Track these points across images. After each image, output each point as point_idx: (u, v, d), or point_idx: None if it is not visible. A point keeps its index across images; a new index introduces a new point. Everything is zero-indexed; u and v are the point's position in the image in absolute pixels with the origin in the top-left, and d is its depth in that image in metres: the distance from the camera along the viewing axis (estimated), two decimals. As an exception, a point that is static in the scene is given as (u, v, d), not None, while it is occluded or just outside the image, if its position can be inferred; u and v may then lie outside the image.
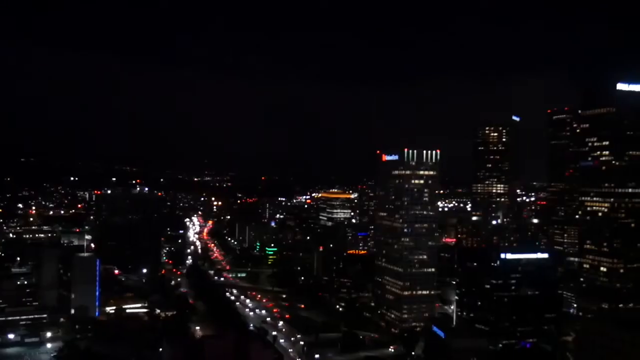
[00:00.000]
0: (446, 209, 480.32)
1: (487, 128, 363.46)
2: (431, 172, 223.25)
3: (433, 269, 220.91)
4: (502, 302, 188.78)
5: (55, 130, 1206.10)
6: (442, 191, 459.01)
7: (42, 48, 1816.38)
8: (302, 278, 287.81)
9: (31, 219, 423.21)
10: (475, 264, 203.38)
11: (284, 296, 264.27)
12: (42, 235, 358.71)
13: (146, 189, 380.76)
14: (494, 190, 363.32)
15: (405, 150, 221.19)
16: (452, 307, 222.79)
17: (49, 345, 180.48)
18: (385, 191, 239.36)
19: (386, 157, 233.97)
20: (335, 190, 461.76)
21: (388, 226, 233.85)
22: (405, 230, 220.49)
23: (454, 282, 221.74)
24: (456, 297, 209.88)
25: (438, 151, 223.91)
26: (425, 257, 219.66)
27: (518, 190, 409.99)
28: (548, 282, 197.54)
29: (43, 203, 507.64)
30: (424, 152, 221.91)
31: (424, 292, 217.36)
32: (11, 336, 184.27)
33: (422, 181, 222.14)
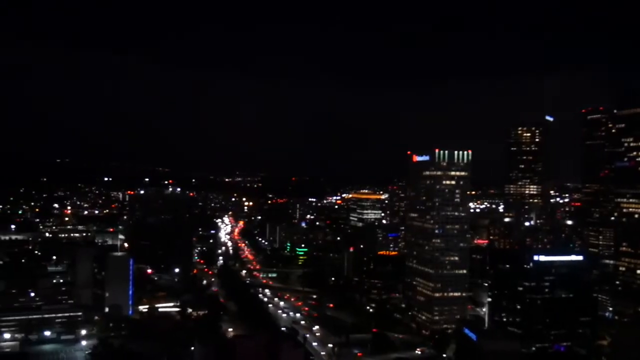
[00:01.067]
0: (478, 210, 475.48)
1: (519, 128, 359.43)
2: (463, 173, 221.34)
3: (465, 271, 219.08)
4: (535, 305, 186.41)
5: (89, 131, 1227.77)
6: (473, 192, 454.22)
7: (71, 49, 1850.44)
8: (333, 279, 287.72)
9: (66, 219, 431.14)
10: (507, 265, 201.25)
11: (314, 296, 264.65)
12: (77, 234, 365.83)
13: (178, 189, 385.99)
14: (526, 191, 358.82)
15: (436, 150, 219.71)
16: (484, 309, 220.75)
17: (83, 343, 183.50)
18: (416, 192, 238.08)
19: (417, 158, 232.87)
20: (366, 190, 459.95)
21: (419, 227, 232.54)
22: (437, 231, 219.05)
23: (486, 284, 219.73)
24: (488, 299, 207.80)
25: (469, 152, 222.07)
26: (456, 258, 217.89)
27: (551, 191, 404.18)
28: (582, 284, 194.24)
29: (78, 203, 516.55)
30: (455, 152, 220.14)
31: (456, 294, 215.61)
32: (48, 333, 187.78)
33: (453, 182, 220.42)
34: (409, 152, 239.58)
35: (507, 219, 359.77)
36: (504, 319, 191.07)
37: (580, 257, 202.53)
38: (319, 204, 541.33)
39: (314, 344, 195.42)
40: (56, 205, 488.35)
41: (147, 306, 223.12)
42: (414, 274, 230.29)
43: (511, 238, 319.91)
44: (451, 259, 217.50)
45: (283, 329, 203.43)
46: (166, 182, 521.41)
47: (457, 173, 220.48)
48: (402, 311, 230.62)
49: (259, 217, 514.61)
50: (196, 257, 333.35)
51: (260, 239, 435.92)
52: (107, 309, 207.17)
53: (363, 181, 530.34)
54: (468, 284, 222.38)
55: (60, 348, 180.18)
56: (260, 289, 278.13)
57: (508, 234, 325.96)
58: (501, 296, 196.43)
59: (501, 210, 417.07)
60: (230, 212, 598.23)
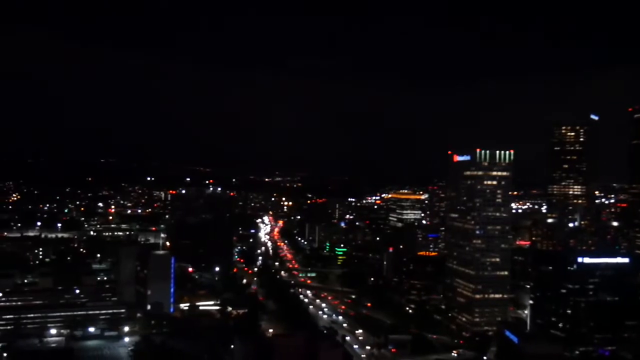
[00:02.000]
0: (520, 211, 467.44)
1: (563, 127, 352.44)
2: (504, 173, 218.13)
3: (506, 272, 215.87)
4: (579, 308, 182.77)
5: (132, 132, 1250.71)
6: (515, 192, 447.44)
7: (111, 49, 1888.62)
8: (372, 279, 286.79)
9: (110, 218, 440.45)
10: (550, 267, 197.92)
11: (353, 296, 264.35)
12: (121, 233, 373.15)
13: (219, 189, 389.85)
14: (570, 192, 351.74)
15: (478, 150, 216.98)
16: (526, 312, 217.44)
17: (126, 339, 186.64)
18: (457, 192, 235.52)
19: (458, 158, 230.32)
20: (406, 190, 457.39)
21: (459, 228, 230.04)
22: (477, 232, 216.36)
23: (528, 286, 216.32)
24: (530, 302, 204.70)
25: (512, 151, 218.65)
26: (498, 259, 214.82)
27: (596, 192, 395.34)
28: (628, 287, 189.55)
29: (121, 202, 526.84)
30: (497, 152, 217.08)
31: (497, 296, 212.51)
32: (92, 329, 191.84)
33: (494, 182, 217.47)
34: (449, 152, 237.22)
35: (550, 220, 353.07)
36: (547, 322, 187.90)
37: (626, 260, 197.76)
38: (358, 204, 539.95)
39: (353, 344, 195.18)
40: (100, 205, 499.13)
41: (187, 304, 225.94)
42: (454, 275, 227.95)
43: (554, 239, 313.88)
44: (492, 260, 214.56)
45: (322, 328, 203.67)
46: (207, 181, 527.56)
47: (499, 173, 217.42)
48: (442, 312, 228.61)
49: (299, 217, 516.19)
50: (236, 256, 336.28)
51: (299, 239, 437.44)
52: (149, 307, 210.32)
53: (403, 181, 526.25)
54: (509, 286, 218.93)
55: (104, 344, 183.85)
56: (299, 289, 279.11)
57: (551, 235, 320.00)
58: (544, 298, 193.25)
59: (544, 211, 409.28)
60: (269, 212, 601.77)
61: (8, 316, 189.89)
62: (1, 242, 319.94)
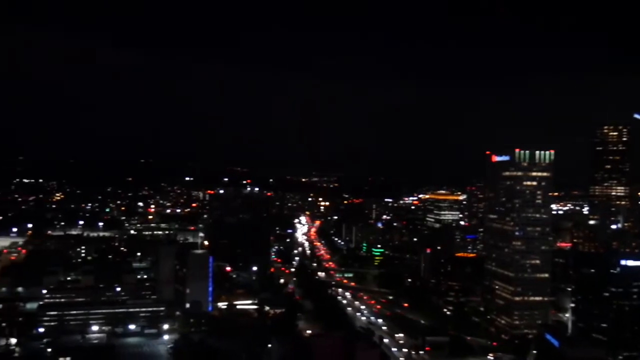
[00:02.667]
0: (561, 212, 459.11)
1: (606, 127, 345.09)
2: (544, 173, 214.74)
3: (546, 274, 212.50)
4: (623, 312, 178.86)
5: (171, 133, 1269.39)
6: (556, 193, 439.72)
7: (152, 48, 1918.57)
8: (409, 280, 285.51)
9: (150, 217, 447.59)
10: (592, 270, 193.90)
11: (390, 297, 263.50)
12: (160, 232, 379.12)
13: (256, 189, 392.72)
14: (613, 193, 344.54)
15: (517, 150, 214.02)
16: (567, 315, 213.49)
17: (165, 337, 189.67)
18: (496, 193, 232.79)
19: (496, 158, 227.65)
20: (443, 191, 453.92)
21: (498, 229, 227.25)
22: (517, 233, 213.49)
23: (570, 289, 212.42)
24: (571, 305, 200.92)
25: (552, 151, 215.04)
26: (538, 261, 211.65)
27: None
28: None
29: (161, 202, 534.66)
30: (537, 152, 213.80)
31: (537, 298, 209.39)
32: (132, 327, 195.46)
33: (534, 182, 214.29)
34: (487, 152, 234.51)
35: (592, 222, 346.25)
36: (589, 326, 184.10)
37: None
38: (396, 205, 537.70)
39: (390, 345, 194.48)
40: (140, 204, 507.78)
41: (225, 303, 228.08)
42: (493, 277, 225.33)
43: (596, 241, 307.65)
44: (532, 262, 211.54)
45: (359, 329, 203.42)
46: (244, 181, 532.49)
47: (539, 173, 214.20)
48: (481, 314, 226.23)
49: (335, 217, 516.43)
50: (273, 256, 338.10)
51: (336, 239, 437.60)
52: (187, 305, 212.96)
53: (440, 182, 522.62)
54: (550, 288, 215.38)
55: (144, 341, 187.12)
56: (336, 289, 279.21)
57: (593, 237, 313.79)
58: (586, 302, 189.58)
59: (585, 212, 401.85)
60: (306, 212, 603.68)
61: (52, 313, 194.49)
62: (45, 241, 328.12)
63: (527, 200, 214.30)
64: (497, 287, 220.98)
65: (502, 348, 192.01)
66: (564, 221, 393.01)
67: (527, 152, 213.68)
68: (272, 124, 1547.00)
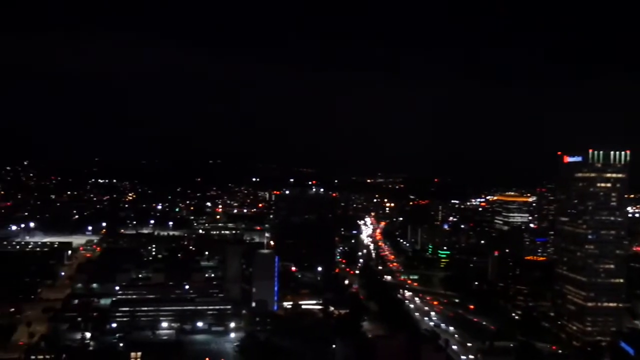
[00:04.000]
0: (637, 215, 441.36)
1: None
2: (620, 175, 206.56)
3: (621, 280, 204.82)
4: None
5: (239, 134, 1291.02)
6: (632, 195, 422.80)
7: (218, 49, 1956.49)
8: (476, 283, 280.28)
9: (218, 217, 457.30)
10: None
11: (457, 300, 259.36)
12: (227, 232, 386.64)
13: (321, 189, 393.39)
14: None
15: (590, 151, 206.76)
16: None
17: (232, 335, 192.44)
18: (567, 195, 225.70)
19: (568, 159, 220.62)
20: (512, 193, 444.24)
21: (570, 232, 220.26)
22: (590, 236, 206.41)
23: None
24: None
25: (628, 152, 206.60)
26: (612, 266, 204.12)
27: None
28: None
29: (228, 202, 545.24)
30: (612, 152, 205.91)
31: (611, 304, 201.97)
32: (200, 324, 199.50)
33: (609, 184, 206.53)
34: (559, 153, 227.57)
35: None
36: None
37: None
38: (462, 206, 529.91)
39: (456, 348, 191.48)
40: (209, 204, 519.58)
41: (290, 303, 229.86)
42: (564, 281, 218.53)
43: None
44: (606, 266, 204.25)
45: (424, 331, 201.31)
46: (310, 182, 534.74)
47: (614, 175, 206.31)
48: (551, 320, 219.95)
49: (401, 219, 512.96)
50: (338, 257, 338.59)
51: (401, 240, 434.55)
52: (253, 304, 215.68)
53: (509, 183, 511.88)
54: (625, 294, 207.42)
55: (211, 339, 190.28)
56: (401, 290, 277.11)
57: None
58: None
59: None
60: (371, 213, 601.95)
61: (125, 309, 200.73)
62: (119, 239, 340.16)
63: (601, 203, 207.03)
64: (568, 292, 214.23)
65: (573, 355, 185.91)
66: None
67: (602, 152, 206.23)
68: (337, 126, 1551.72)
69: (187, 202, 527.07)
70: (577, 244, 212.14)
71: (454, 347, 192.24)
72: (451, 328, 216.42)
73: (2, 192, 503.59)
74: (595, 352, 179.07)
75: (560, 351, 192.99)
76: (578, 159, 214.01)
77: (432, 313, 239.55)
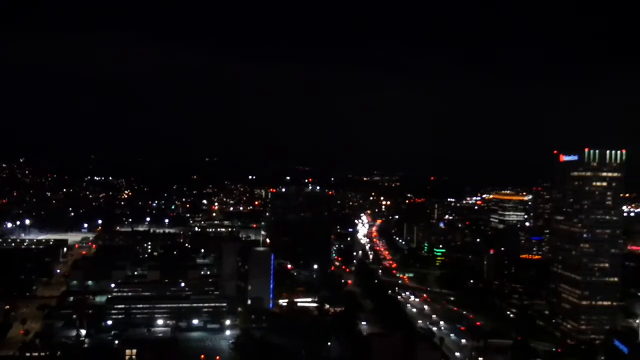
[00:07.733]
0: (632, 214, 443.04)
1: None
2: (615, 174, 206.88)
3: (616, 279, 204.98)
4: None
5: (234, 131, 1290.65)
6: (627, 194, 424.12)
7: (223, 48, 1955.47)
8: (471, 281, 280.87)
9: (214, 214, 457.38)
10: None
11: (452, 299, 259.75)
12: (223, 229, 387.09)
13: (317, 187, 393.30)
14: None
15: (586, 150, 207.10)
16: (637, 321, 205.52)
17: (227, 332, 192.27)
18: (563, 193, 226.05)
19: (564, 158, 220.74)
20: (508, 191, 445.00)
21: (565, 231, 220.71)
22: (585, 235, 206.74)
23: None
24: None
25: (623, 151, 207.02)
26: (607, 265, 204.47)
27: None
28: None
29: (224, 200, 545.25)
30: (607, 151, 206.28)
31: (605, 303, 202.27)
32: (195, 321, 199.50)
33: (604, 183, 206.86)
34: (555, 152, 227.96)
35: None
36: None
37: None
38: (458, 205, 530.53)
39: (451, 346, 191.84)
40: (205, 202, 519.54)
41: (286, 300, 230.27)
42: (559, 280, 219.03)
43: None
44: (601, 265, 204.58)
45: (419, 329, 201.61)
46: (306, 180, 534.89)
47: (609, 174, 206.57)
48: (545, 318, 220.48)
49: (397, 217, 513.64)
50: (334, 255, 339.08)
51: (397, 239, 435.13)
52: (249, 301, 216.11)
53: (505, 182, 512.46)
54: (620, 293, 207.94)
55: (207, 336, 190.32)
56: (396, 289, 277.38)
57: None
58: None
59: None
60: (367, 211, 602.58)
61: (120, 306, 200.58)
62: (114, 236, 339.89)
63: (597, 202, 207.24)
64: (563, 290, 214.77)
65: (568, 353, 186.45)
66: (636, 224, 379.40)
67: (597, 151, 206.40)
68: (334, 124, 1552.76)
69: (183, 199, 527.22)
70: (573, 243, 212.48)
71: (449, 345, 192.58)
72: (447, 326, 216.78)
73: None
74: (590, 351, 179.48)
75: (554, 349, 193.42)
76: (574, 157, 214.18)
77: (428, 311, 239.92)
